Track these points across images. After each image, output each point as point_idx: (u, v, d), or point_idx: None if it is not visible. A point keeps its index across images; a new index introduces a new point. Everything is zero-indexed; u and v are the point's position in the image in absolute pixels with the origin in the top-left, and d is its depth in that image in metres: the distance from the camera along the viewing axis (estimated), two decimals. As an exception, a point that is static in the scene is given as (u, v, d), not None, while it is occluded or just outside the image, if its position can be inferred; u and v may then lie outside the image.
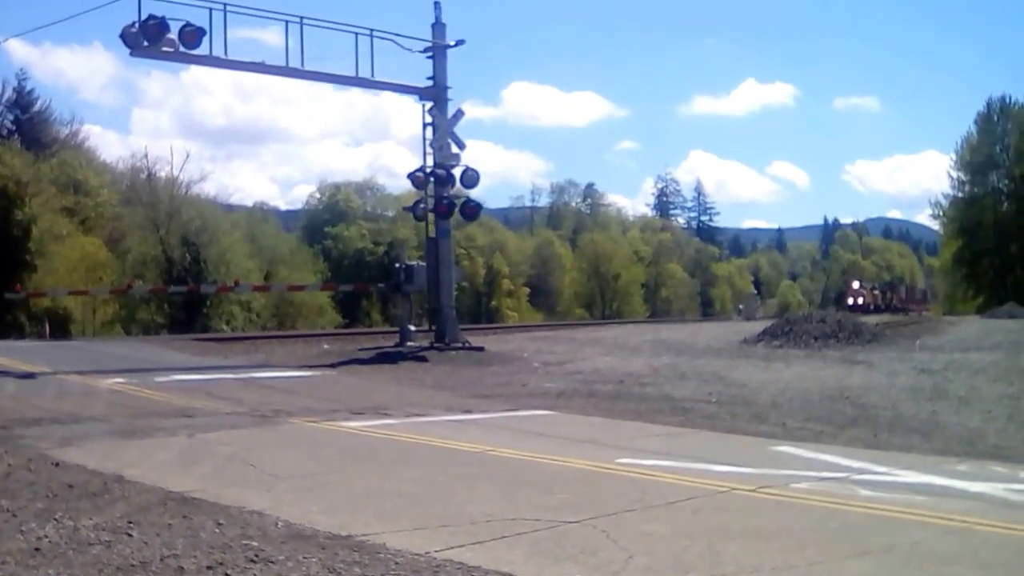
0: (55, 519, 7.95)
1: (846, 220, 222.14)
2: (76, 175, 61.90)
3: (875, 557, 7.33)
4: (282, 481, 9.91)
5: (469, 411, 16.47)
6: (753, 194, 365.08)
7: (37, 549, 7.08)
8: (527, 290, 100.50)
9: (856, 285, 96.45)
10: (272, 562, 6.81)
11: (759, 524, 8.33)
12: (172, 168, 65.12)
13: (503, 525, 7.98)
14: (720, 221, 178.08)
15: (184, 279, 56.89)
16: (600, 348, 31.13)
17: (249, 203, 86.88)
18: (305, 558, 6.90)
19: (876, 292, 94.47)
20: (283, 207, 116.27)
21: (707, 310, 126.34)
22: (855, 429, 15.15)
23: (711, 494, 9.51)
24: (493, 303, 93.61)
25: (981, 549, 7.64)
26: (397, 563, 6.82)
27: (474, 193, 33.95)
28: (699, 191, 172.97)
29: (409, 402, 17.48)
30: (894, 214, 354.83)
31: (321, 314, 69.22)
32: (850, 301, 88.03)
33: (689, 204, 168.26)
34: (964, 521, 8.43)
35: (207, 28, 24.96)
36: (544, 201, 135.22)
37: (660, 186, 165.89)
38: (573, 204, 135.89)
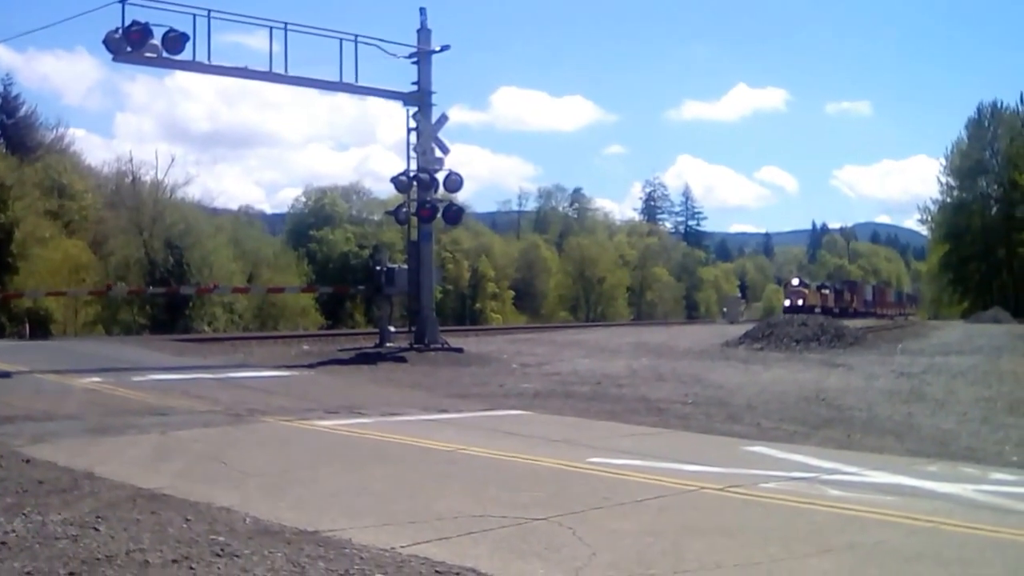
0: (23, 514, 7.98)
1: (834, 225, 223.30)
2: (61, 179, 62.07)
3: (837, 555, 7.38)
4: (252, 479, 9.94)
5: (444, 411, 16.49)
6: (741, 199, 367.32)
7: (3, 543, 7.13)
8: (512, 293, 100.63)
9: (795, 283, 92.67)
10: (237, 556, 6.85)
11: (725, 522, 8.37)
12: (157, 172, 65.21)
13: (470, 522, 8.02)
14: (707, 226, 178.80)
15: (167, 281, 56.85)
16: (580, 350, 31.21)
17: (234, 207, 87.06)
18: (271, 553, 6.93)
19: (826, 292, 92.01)
20: (269, 211, 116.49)
21: (692, 313, 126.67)
22: (829, 430, 15.19)
23: (679, 493, 9.56)
24: (477, 305, 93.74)
25: (944, 548, 7.68)
26: (362, 558, 6.86)
27: (460, 197, 34.08)
28: (687, 196, 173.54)
29: (385, 401, 17.48)
30: (883, 219, 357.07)
31: (304, 316, 69.33)
32: (787, 302, 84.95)
33: (677, 209, 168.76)
34: (930, 521, 8.48)
35: (191, 34, 24.94)
36: (531, 205, 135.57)
37: (648, 191, 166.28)
38: (560, 208, 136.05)
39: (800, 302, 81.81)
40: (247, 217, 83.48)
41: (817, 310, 75.05)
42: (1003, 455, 13.21)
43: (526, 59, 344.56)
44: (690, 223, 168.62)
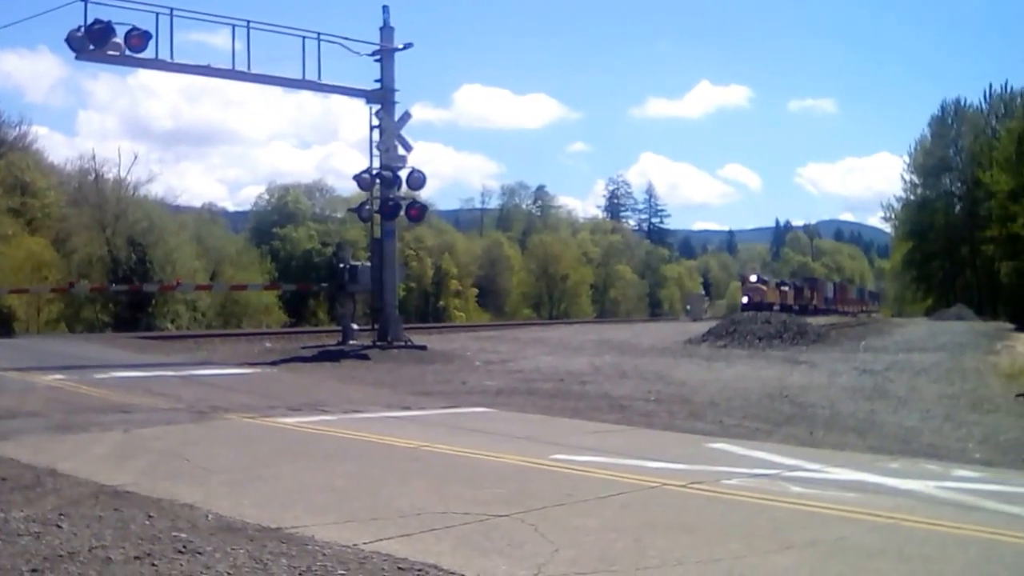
0: (-14, 511, 7.96)
1: (798, 222, 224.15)
2: (23, 176, 61.33)
3: (799, 551, 7.45)
4: (215, 475, 9.95)
5: (408, 408, 16.54)
6: (705, 196, 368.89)
7: (-34, 540, 7.11)
8: (475, 290, 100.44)
9: (753, 279, 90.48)
10: (200, 553, 6.86)
11: (687, 519, 8.43)
12: (120, 170, 64.70)
13: (432, 518, 8.06)
14: (671, 223, 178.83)
15: (130, 279, 56.49)
16: (544, 347, 31.30)
17: (197, 204, 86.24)
18: (233, 549, 6.96)
19: (785, 289, 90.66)
20: (232, 208, 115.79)
21: (656, 311, 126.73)
22: (791, 427, 15.31)
23: (642, 489, 9.62)
24: (441, 303, 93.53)
25: (905, 545, 7.74)
26: (324, 555, 6.88)
27: (424, 194, 34.13)
28: (650, 193, 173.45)
29: (348, 399, 17.51)
30: (846, 217, 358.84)
31: (267, 314, 69.01)
32: (745, 299, 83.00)
33: (640, 206, 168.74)
34: (891, 517, 8.56)
35: (153, 32, 24.92)
36: (495, 203, 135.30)
37: (611, 188, 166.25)
38: (524, 206, 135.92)
39: (758, 299, 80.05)
40: (210, 215, 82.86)
41: (776, 307, 73.81)
42: (966, 452, 13.37)
43: (489, 57, 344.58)
44: (653, 220, 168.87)
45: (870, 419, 16.36)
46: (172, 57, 25.99)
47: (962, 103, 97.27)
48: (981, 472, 11.55)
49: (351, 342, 28.99)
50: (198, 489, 9.09)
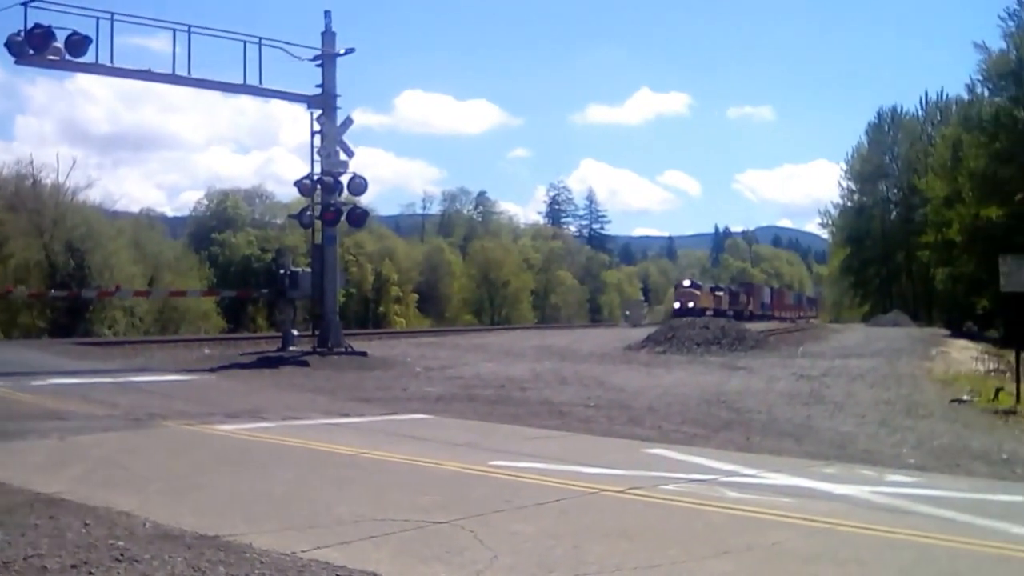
0: (-82, 520, 7.86)
1: (737, 228, 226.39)
2: (-41, 182, 60.61)
3: (736, 556, 7.52)
4: (153, 483, 9.87)
5: (347, 415, 16.48)
6: (645, 202, 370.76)
7: (-103, 550, 7.01)
8: (416, 296, 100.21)
9: (687, 284, 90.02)
10: (137, 561, 6.82)
11: (625, 525, 8.48)
12: (58, 175, 63.93)
13: (372, 526, 8.06)
14: (611, 229, 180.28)
15: (67, 285, 55.85)
16: (484, 354, 31.30)
17: (136, 210, 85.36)
18: (171, 557, 6.91)
19: (719, 294, 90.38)
20: (170, 214, 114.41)
21: (596, 316, 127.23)
22: (729, 432, 15.45)
23: (580, 495, 9.66)
24: (381, 309, 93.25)
25: (840, 549, 7.85)
26: (263, 563, 6.86)
27: (364, 200, 34.01)
28: (591, 199, 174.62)
29: (287, 406, 17.38)
30: (784, 223, 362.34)
31: (206, 320, 68.47)
32: (677, 304, 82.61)
33: (581, 212, 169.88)
34: (827, 522, 8.66)
35: (94, 36, 24.69)
36: (436, 208, 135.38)
37: (552, 194, 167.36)
38: (465, 212, 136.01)
39: (691, 304, 79.69)
40: (148, 220, 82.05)
41: (709, 312, 73.00)
42: (900, 457, 13.55)
43: (431, 62, 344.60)
44: (594, 227, 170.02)
45: (807, 424, 16.54)
46: (112, 61, 25.78)
47: (898, 110, 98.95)
48: (915, 477, 11.74)
49: (291, 348, 28.84)
50: (135, 497, 9.01)
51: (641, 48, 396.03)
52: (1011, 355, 23.35)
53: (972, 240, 61.83)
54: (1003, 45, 64.03)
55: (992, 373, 29.56)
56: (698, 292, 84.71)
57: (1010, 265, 20.70)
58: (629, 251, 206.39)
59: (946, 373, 27.15)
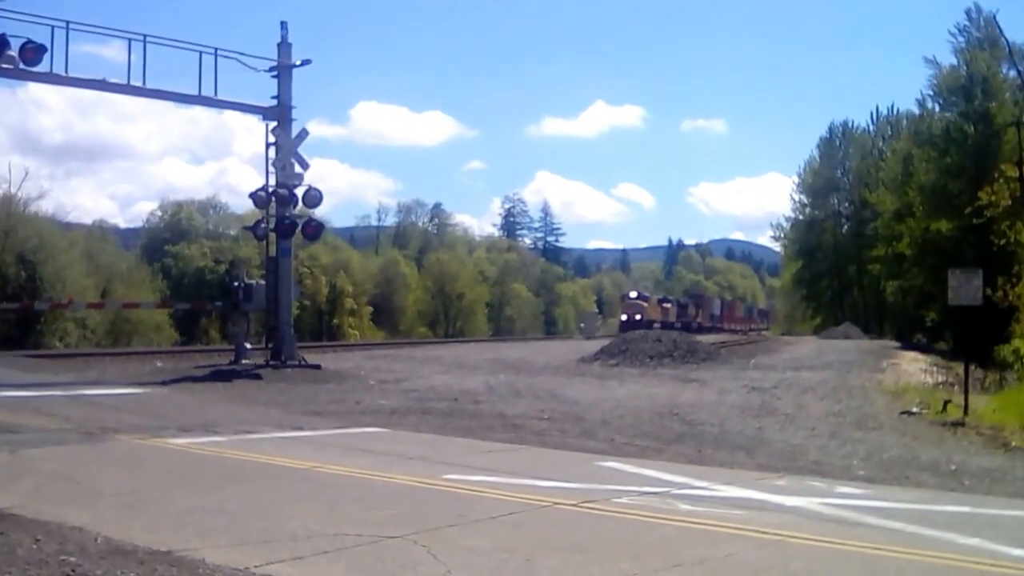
0: None
1: (690, 241, 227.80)
2: (-91, 193, 59.97)
3: (687, 569, 7.60)
4: (105, 498, 9.80)
5: (300, 428, 16.45)
6: (599, 215, 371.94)
7: None
8: (370, 309, 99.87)
9: (633, 295, 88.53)
10: (89, 577, 6.80)
11: (579, 538, 8.55)
12: (10, 186, 63.41)
13: (325, 540, 8.06)
14: (566, 242, 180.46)
15: (19, 297, 55.34)
16: (439, 366, 31.28)
17: (88, 220, 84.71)
18: (123, 573, 6.89)
19: (667, 306, 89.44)
20: (123, 225, 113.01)
21: (550, 329, 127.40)
22: (681, 445, 15.58)
23: (534, 509, 9.71)
24: (335, 321, 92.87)
25: (791, 560, 7.96)
26: (216, 578, 6.86)
27: (319, 211, 33.87)
28: (546, 212, 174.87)
29: (239, 420, 17.28)
30: (737, 236, 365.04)
31: (158, 332, 67.95)
32: (624, 316, 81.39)
33: (536, 225, 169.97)
34: (778, 534, 8.75)
35: (48, 45, 24.45)
36: (391, 220, 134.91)
37: (507, 207, 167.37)
38: (420, 224, 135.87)
39: (638, 316, 78.77)
40: (101, 231, 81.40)
41: (657, 325, 72.34)
42: (850, 469, 13.74)
43: (386, 74, 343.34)
44: (549, 239, 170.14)
45: (758, 437, 16.70)
46: (67, 71, 25.53)
47: (850, 125, 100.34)
48: (864, 488, 11.89)
49: (244, 361, 28.66)
50: (87, 512, 8.95)
51: (596, 61, 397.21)
52: (960, 367, 23.74)
53: (922, 253, 62.69)
54: (953, 61, 65.24)
55: (941, 385, 29.98)
56: (645, 304, 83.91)
57: (958, 279, 21.03)
58: (583, 263, 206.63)
59: (896, 385, 27.43)
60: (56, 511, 8.87)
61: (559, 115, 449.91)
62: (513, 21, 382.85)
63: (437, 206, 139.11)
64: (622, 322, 79.45)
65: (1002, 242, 49.37)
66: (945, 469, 13.99)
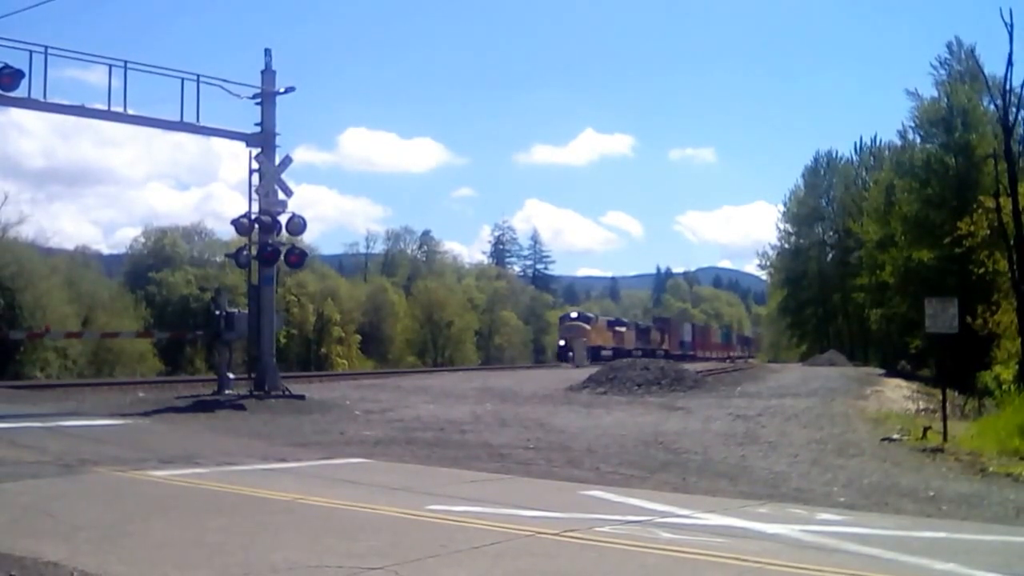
0: None
1: (678, 269, 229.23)
2: None
3: (668, 598, 7.54)
4: (82, 532, 9.67)
5: (283, 459, 16.33)
6: (588, 243, 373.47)
7: None
8: (358, 337, 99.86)
9: (574, 315, 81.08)
10: (63, 614, 6.71)
11: (559, 567, 8.51)
12: (-11, 212, 63.28)
13: (305, 572, 8.00)
14: (555, 269, 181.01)
15: (-5, 325, 55.06)
16: (426, 396, 31.18)
17: (70, 246, 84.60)
18: (98, 609, 6.81)
19: (620, 330, 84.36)
20: (106, 251, 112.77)
21: (540, 357, 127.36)
22: (665, 473, 15.58)
23: (516, 538, 9.65)
24: (323, 350, 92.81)
25: (770, 587, 7.89)
26: (193, 612, 6.79)
27: (307, 238, 33.86)
28: (535, 239, 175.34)
29: (222, 451, 17.16)
30: (724, 264, 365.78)
31: (141, 362, 67.59)
32: (562, 342, 73.72)
33: (525, 252, 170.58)
34: (758, 562, 8.71)
35: (26, 70, 24.37)
36: (379, 248, 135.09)
37: (497, 234, 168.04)
38: (408, 251, 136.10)
39: (580, 339, 70.89)
40: (83, 258, 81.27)
41: (607, 352, 67.64)
42: (831, 496, 13.78)
43: (375, 100, 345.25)
44: (538, 267, 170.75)
45: (741, 464, 16.72)
46: (45, 96, 25.43)
47: (834, 155, 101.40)
48: (844, 515, 11.92)
49: (227, 392, 28.43)
50: (63, 546, 8.85)
51: (586, 90, 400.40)
52: (941, 394, 23.87)
53: (905, 282, 63.26)
54: (935, 93, 65.94)
55: (923, 412, 30.14)
56: (587, 326, 76.46)
57: (935, 307, 21.42)
58: (573, 291, 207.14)
59: (878, 412, 27.58)
60: (31, 545, 8.77)
61: (549, 143, 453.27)
62: (503, 49, 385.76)
63: (426, 233, 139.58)
64: (560, 347, 72.88)
65: (981, 271, 49.98)
66: (924, 495, 14.10)
